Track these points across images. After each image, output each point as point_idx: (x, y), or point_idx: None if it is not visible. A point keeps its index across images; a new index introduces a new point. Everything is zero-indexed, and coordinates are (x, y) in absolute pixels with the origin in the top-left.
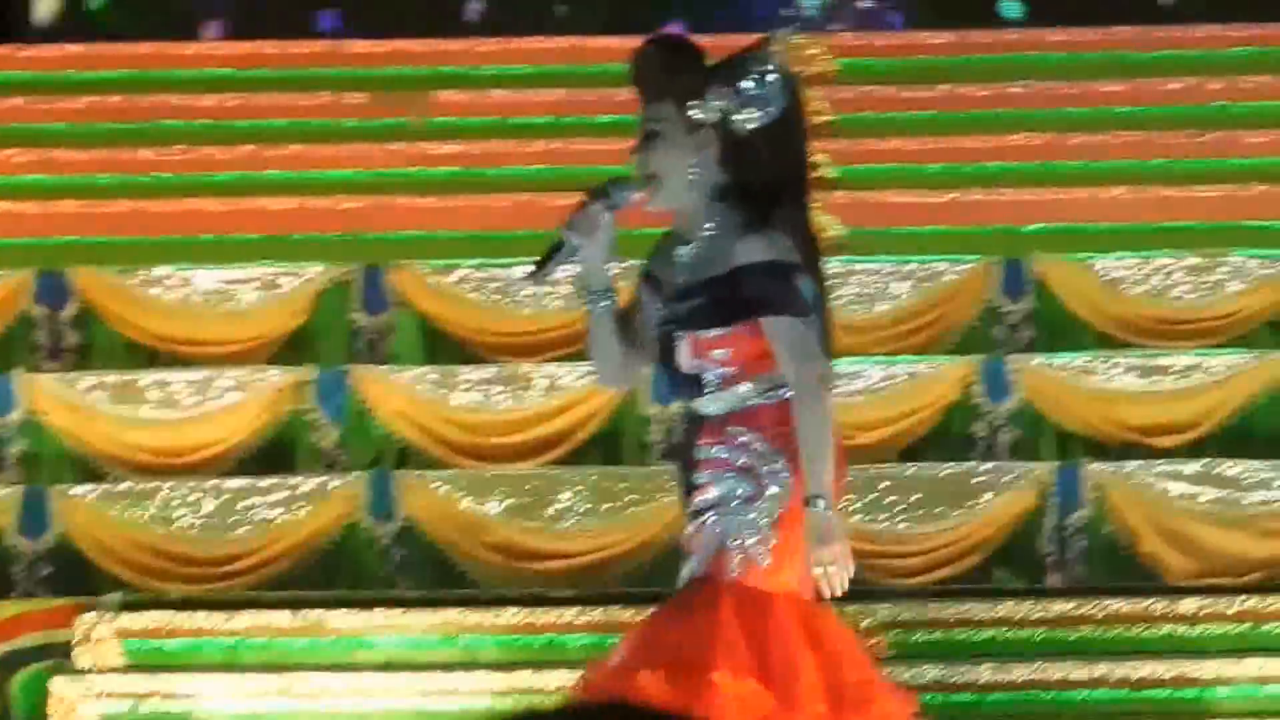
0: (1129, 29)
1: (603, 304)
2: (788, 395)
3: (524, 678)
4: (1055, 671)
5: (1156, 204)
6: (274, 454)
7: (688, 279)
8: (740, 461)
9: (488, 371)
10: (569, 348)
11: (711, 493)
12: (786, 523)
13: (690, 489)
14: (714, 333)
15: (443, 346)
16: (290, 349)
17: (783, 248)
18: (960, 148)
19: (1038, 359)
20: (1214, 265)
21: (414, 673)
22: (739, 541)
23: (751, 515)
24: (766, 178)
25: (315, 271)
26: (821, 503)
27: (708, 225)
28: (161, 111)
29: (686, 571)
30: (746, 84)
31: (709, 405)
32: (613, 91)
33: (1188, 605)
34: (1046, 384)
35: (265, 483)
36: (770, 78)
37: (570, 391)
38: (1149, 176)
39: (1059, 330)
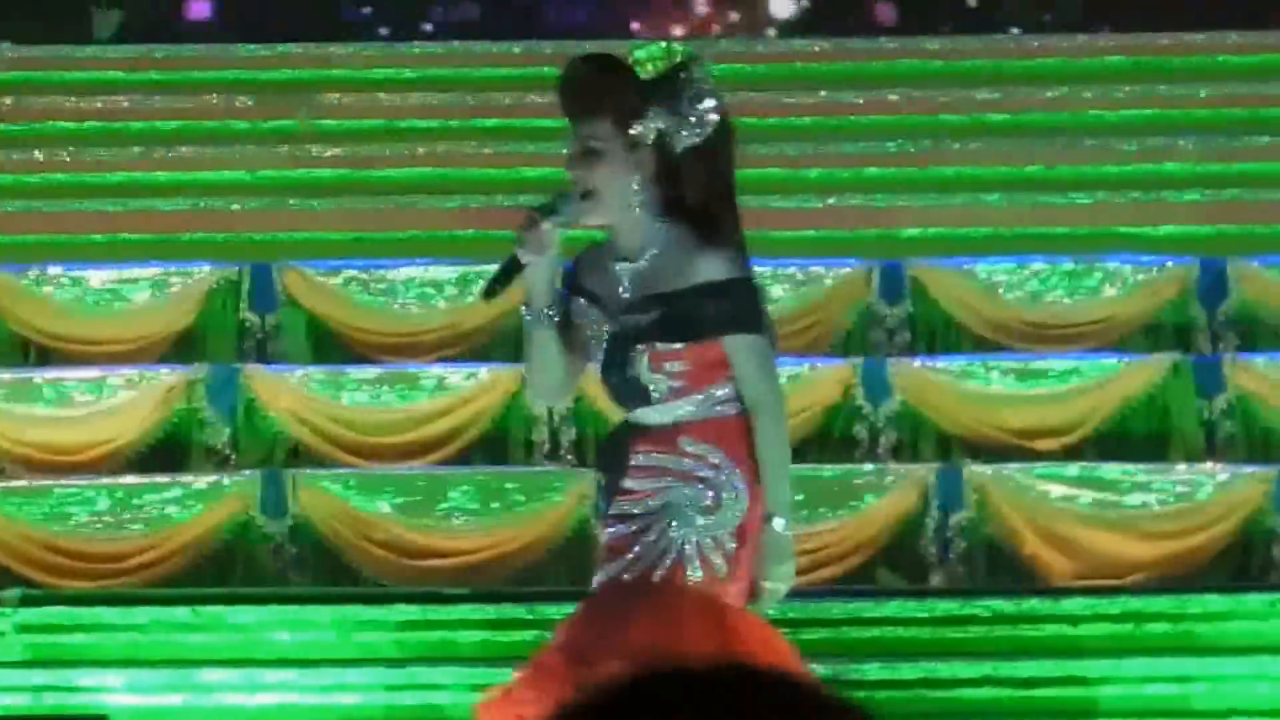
0: (1007, 38)
1: (549, 321)
2: (732, 411)
3: (418, 673)
4: (943, 670)
5: (1032, 210)
6: (166, 452)
7: (639, 292)
8: (698, 472)
9: (376, 371)
10: (455, 348)
11: (659, 499)
12: (741, 535)
13: (618, 492)
14: (674, 346)
15: (330, 346)
16: (180, 347)
17: (741, 265)
18: (839, 154)
19: (918, 362)
20: (1090, 271)
21: (310, 668)
22: (698, 550)
23: (712, 525)
24: (700, 194)
25: (204, 271)
26: (780, 521)
27: (656, 241)
28: (53, 114)
29: (616, 569)
30: (685, 105)
31: (654, 415)
32: (495, 96)
33: (1072, 606)
34: (926, 387)
35: (160, 480)
36: (706, 98)
37: (457, 392)
38: (1025, 183)
39: (937, 334)
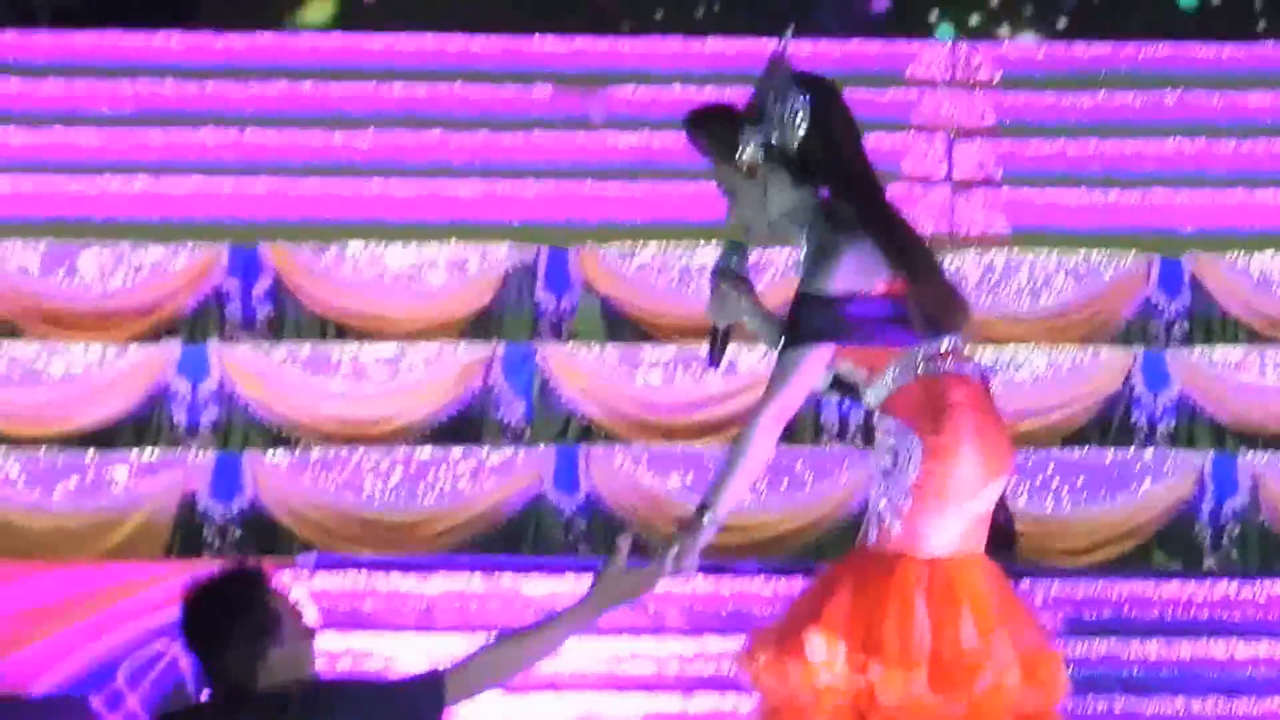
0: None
1: None
2: (906, 380)
3: (711, 642)
4: (1219, 651)
5: None
6: (461, 427)
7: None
8: (884, 442)
9: (668, 351)
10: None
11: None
12: (919, 491)
13: None
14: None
15: (621, 326)
16: (476, 327)
17: (849, 270)
18: (1118, 152)
19: (1196, 352)
20: None
21: (604, 637)
22: (878, 515)
23: (891, 486)
24: (841, 173)
25: (501, 254)
26: (711, 516)
27: (801, 246)
28: (350, 100)
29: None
30: (771, 107)
31: (868, 399)
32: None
33: None
34: (1201, 377)
35: (454, 453)
36: (785, 89)
37: (747, 373)
38: None
39: (1212, 326)
